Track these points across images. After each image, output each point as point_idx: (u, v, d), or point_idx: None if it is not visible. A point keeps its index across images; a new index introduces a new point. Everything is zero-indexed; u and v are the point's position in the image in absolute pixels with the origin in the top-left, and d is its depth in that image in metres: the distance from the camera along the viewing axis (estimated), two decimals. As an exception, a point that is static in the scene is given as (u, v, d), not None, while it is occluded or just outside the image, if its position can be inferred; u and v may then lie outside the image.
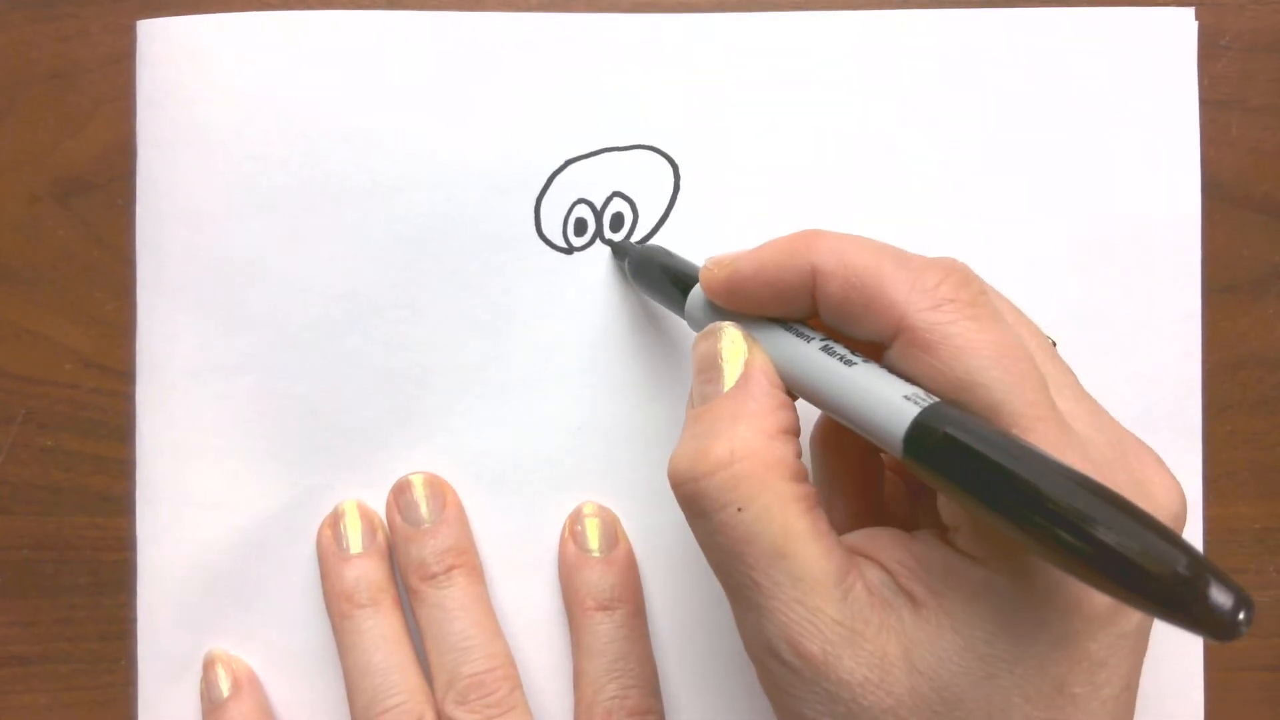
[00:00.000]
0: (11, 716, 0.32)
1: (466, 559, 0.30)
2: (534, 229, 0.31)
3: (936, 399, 0.20)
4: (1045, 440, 0.20)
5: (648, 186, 0.31)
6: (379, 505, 0.31)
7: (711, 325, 0.25)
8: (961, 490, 0.19)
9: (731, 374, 0.23)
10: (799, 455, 0.23)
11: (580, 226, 0.31)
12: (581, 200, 0.31)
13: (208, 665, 0.31)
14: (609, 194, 0.31)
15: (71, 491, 0.32)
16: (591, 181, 0.31)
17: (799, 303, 0.23)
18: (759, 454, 0.22)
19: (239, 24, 0.31)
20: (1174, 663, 0.31)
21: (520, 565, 0.31)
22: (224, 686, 0.31)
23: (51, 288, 0.32)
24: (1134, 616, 0.21)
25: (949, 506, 0.22)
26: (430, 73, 0.31)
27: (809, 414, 0.24)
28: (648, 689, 0.30)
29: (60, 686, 0.32)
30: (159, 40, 0.31)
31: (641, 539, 0.31)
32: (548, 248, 0.31)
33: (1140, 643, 0.21)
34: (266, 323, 0.31)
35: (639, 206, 0.31)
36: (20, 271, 0.32)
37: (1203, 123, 0.31)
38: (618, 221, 0.31)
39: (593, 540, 0.31)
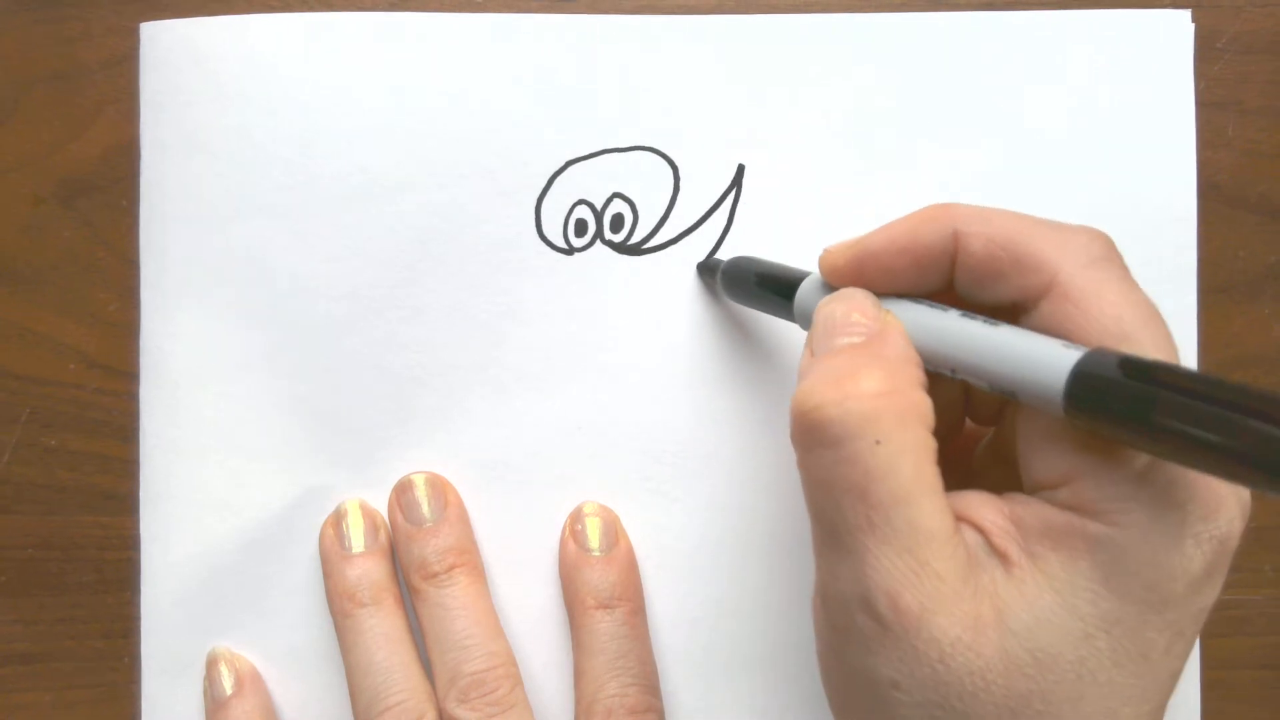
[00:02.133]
0: (15, 714, 0.33)
1: (468, 558, 0.30)
2: (534, 229, 0.31)
3: (1089, 347, 0.20)
4: None
5: (648, 187, 0.31)
6: (381, 504, 0.31)
7: (840, 291, 0.24)
8: (1138, 425, 0.18)
9: (869, 328, 0.23)
10: (933, 408, 0.22)
11: (580, 227, 0.31)
12: (582, 201, 0.31)
13: (211, 664, 0.31)
14: (609, 194, 0.31)
15: (75, 491, 0.32)
16: (591, 182, 0.31)
17: (934, 271, 0.23)
18: (904, 393, 0.21)
19: (241, 26, 0.31)
20: (1170, 661, 0.32)
21: (521, 564, 0.31)
22: (227, 685, 0.31)
23: (55, 288, 0.32)
24: (1216, 590, 0.21)
25: (1056, 458, 0.21)
26: (430, 73, 0.31)
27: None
28: (648, 687, 0.30)
29: (64, 684, 0.33)
30: (162, 42, 0.31)
31: (641, 539, 0.31)
32: (548, 248, 0.31)
33: (1201, 621, 0.21)
34: (269, 323, 0.31)
35: (639, 207, 0.31)
36: (24, 272, 0.32)
37: (1199, 124, 0.31)
38: (618, 222, 0.31)
39: (593, 539, 0.31)
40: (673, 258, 0.31)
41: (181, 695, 0.32)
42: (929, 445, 0.21)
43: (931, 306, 0.23)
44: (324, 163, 0.31)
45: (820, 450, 0.21)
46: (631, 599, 0.30)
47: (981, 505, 0.22)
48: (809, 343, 0.24)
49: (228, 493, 0.31)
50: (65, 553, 0.32)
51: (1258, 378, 0.32)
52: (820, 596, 0.22)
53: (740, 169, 0.31)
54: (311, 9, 0.32)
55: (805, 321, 0.26)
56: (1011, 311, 0.22)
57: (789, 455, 0.31)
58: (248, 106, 0.31)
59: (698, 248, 0.31)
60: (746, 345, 0.31)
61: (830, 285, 0.25)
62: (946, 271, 0.23)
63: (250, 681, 0.31)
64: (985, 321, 0.22)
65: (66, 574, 0.32)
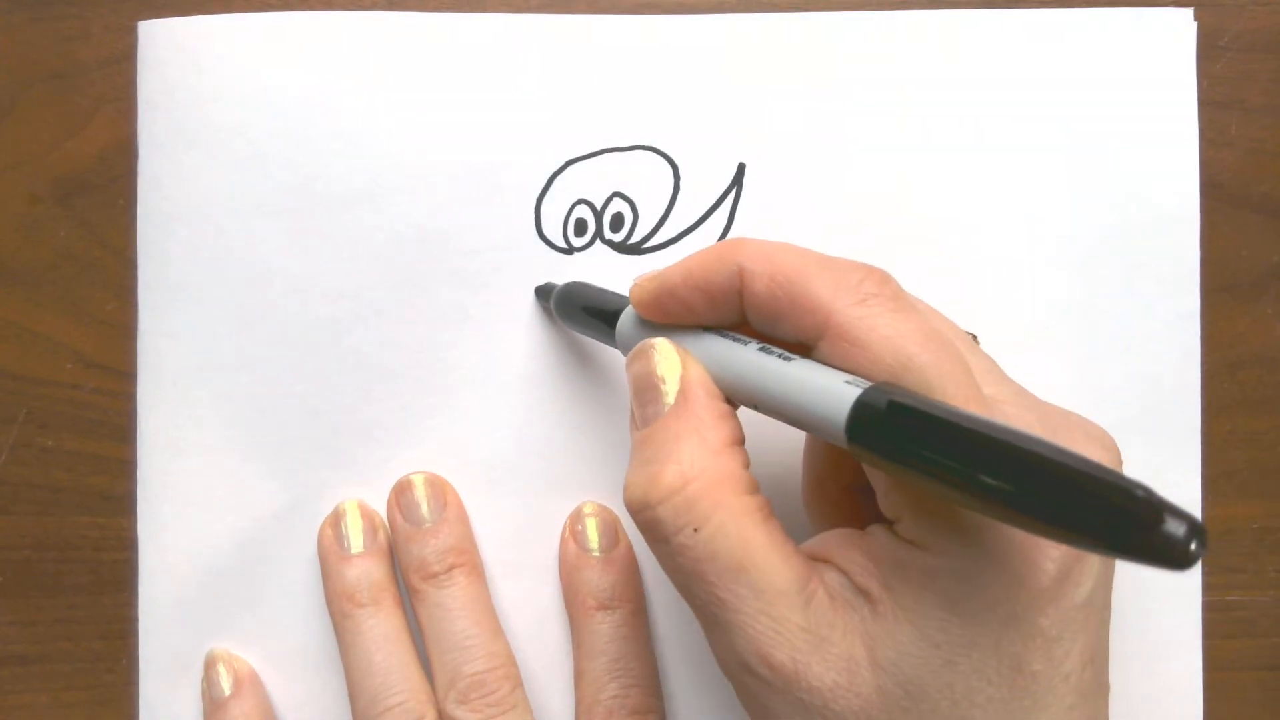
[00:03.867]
0: (12, 715, 0.32)
1: (467, 558, 0.30)
2: (534, 229, 0.31)
3: (871, 384, 0.21)
4: None
5: (648, 186, 0.31)
6: (380, 505, 0.31)
7: (641, 344, 0.25)
8: (906, 463, 0.19)
9: (670, 390, 0.24)
10: (747, 465, 0.23)
11: (580, 227, 0.31)
12: (582, 200, 0.31)
13: (209, 664, 0.31)
14: (609, 194, 0.31)
15: (72, 491, 0.32)
16: (591, 182, 0.31)
17: (728, 307, 0.24)
18: (707, 471, 0.22)
19: (240, 25, 0.31)
20: (1173, 663, 0.31)
21: (521, 565, 0.31)
22: (225, 686, 0.31)
23: (52, 288, 0.32)
24: (1083, 588, 0.21)
25: (890, 497, 0.22)
26: (430, 73, 0.31)
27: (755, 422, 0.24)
28: (648, 688, 0.30)
29: (61, 686, 0.32)
30: (160, 41, 0.31)
31: (641, 539, 0.31)
32: (548, 248, 0.31)
33: (1093, 616, 0.21)
34: (267, 322, 0.31)
35: (639, 206, 0.31)
36: (21, 271, 0.32)
37: (1202, 123, 0.31)
38: (618, 222, 0.31)
39: (593, 540, 0.31)
40: (673, 257, 0.31)
41: (180, 696, 0.32)
42: (750, 508, 0.22)
43: (734, 340, 0.24)
44: (323, 162, 0.31)
45: (654, 546, 0.23)
46: (632, 600, 0.30)
47: (843, 545, 0.22)
48: (631, 405, 0.25)
49: (226, 493, 0.31)
50: (62, 553, 0.32)
51: (1261, 377, 0.32)
52: (718, 662, 0.23)
53: (740, 168, 0.31)
54: (311, 8, 0.32)
55: (626, 350, 0.26)
56: (802, 350, 0.23)
57: (789, 455, 0.31)
58: (246, 105, 0.31)
59: (698, 247, 0.31)
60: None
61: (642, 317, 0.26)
62: (739, 309, 0.24)
63: (249, 682, 0.31)
64: (780, 356, 0.22)
65: (63, 575, 0.32)
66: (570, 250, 0.31)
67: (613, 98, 0.31)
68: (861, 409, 0.20)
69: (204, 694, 0.31)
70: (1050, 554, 0.20)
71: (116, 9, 0.32)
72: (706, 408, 0.23)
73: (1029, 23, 0.31)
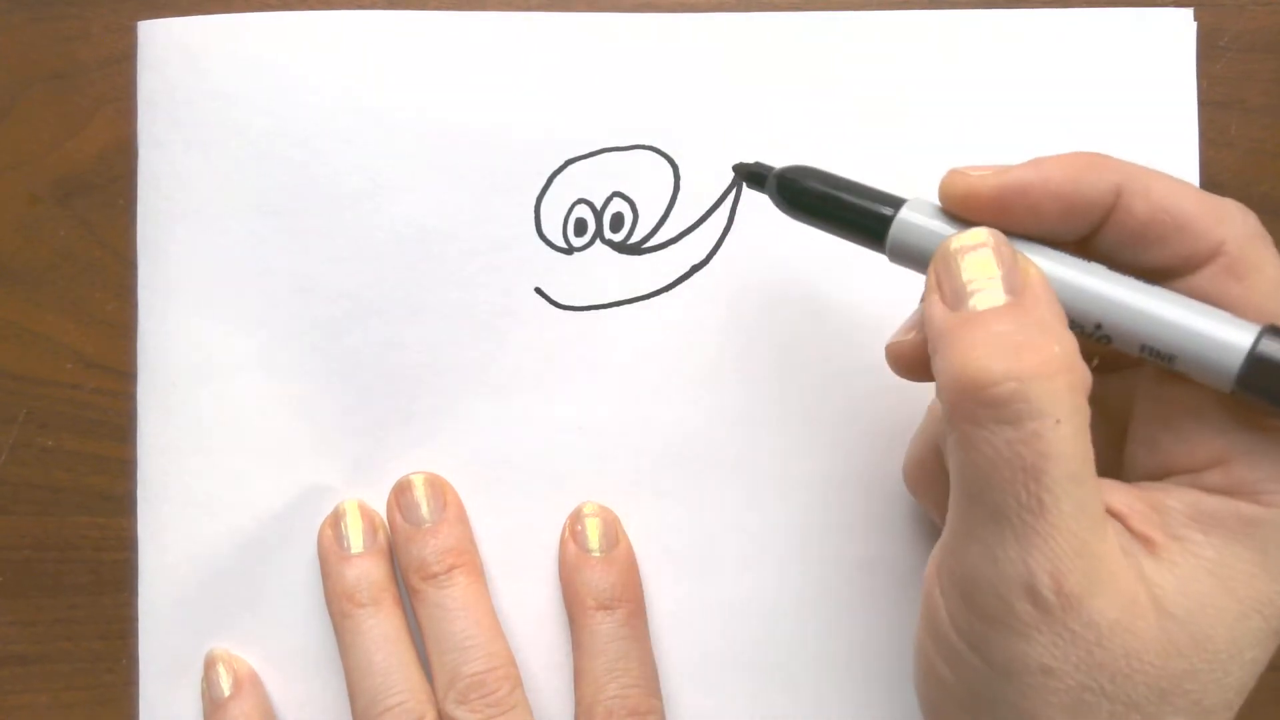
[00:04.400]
0: (12, 716, 0.32)
1: (467, 559, 0.30)
2: (534, 229, 0.31)
3: (1265, 325, 0.20)
4: None
5: (648, 186, 0.31)
6: (380, 505, 0.31)
7: (969, 232, 0.22)
8: None
9: (1011, 284, 0.21)
10: None
11: (580, 226, 0.31)
12: (581, 200, 0.31)
13: (209, 665, 0.31)
14: (609, 194, 0.31)
15: (72, 491, 0.32)
16: (591, 181, 0.31)
17: (1080, 224, 0.22)
18: (1076, 365, 0.20)
19: (240, 24, 0.31)
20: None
21: (521, 565, 0.31)
22: (225, 686, 0.31)
23: (52, 288, 0.32)
24: None
25: (1205, 442, 0.21)
26: (430, 73, 0.31)
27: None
28: (648, 688, 0.30)
29: (61, 686, 0.32)
30: (160, 41, 0.31)
31: (641, 539, 0.31)
32: (548, 248, 0.31)
33: None
34: (267, 322, 0.31)
35: (639, 206, 0.31)
36: (21, 271, 0.32)
37: (1202, 123, 0.31)
38: (618, 221, 0.31)
39: (593, 540, 0.31)
40: (673, 257, 0.31)
41: (180, 696, 0.32)
42: (1088, 422, 0.20)
43: (1075, 259, 0.22)
44: (323, 162, 0.31)
45: (995, 428, 0.20)
46: (632, 600, 0.30)
47: (1117, 491, 0.21)
48: (938, 289, 0.22)
49: (226, 493, 0.31)
50: (62, 553, 0.32)
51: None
52: (961, 584, 0.21)
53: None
54: (310, 8, 0.32)
55: (902, 256, 0.23)
56: (1151, 279, 0.22)
57: (790, 455, 0.31)
58: (246, 105, 0.31)
59: (698, 247, 0.31)
60: (748, 344, 0.31)
61: (944, 215, 0.23)
62: (1093, 225, 0.22)
63: (249, 683, 0.31)
64: (1141, 281, 0.21)
65: (63, 575, 0.32)
66: (570, 250, 0.31)
67: (613, 97, 0.31)
68: (1263, 353, 0.19)
69: (204, 694, 0.31)
70: None
71: (116, 9, 0.32)
72: (1057, 308, 0.21)
73: (1029, 23, 0.31)
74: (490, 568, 0.31)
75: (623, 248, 0.31)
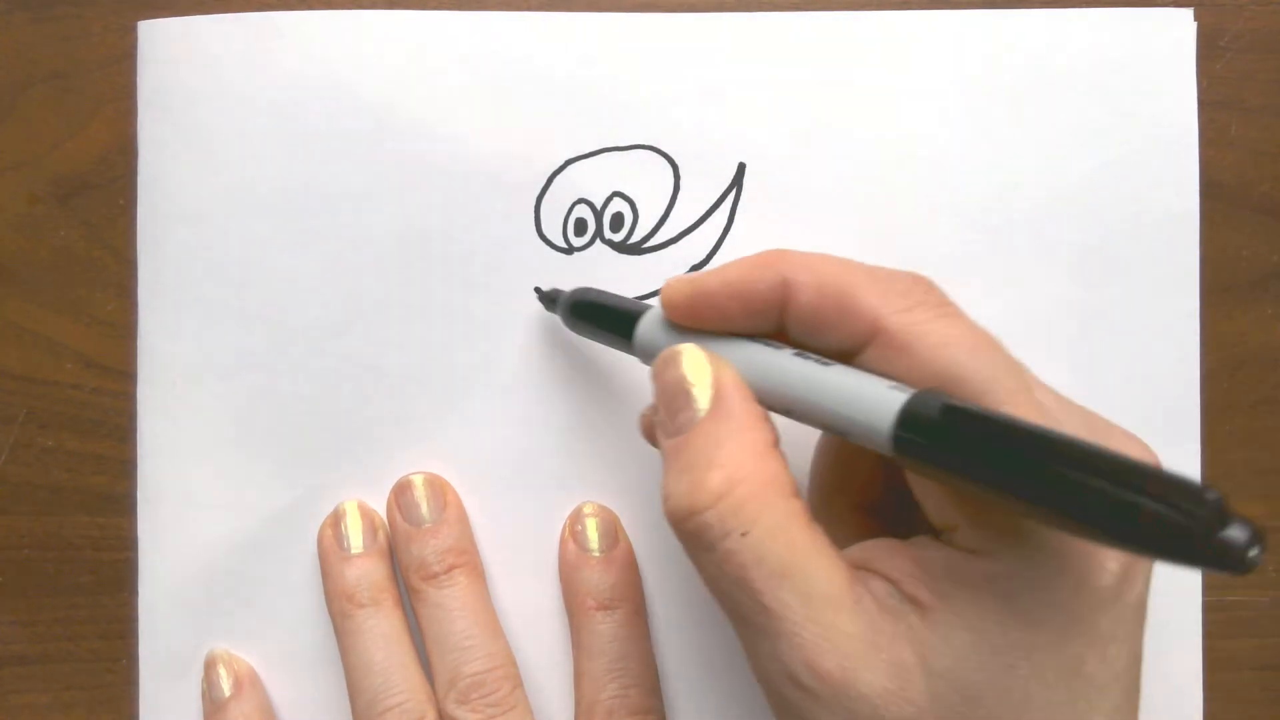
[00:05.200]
0: (12, 715, 0.32)
1: (467, 559, 0.30)
2: (534, 229, 0.31)
3: (918, 389, 0.20)
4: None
5: (648, 186, 0.31)
6: (380, 505, 0.31)
7: (668, 350, 0.24)
8: (961, 471, 0.19)
9: (703, 395, 0.23)
10: (788, 468, 0.23)
11: (580, 226, 0.31)
12: (581, 200, 0.31)
13: (209, 665, 0.31)
14: (609, 194, 0.31)
15: (72, 491, 0.32)
16: (591, 181, 0.31)
17: (765, 316, 0.24)
18: (754, 474, 0.22)
19: (240, 24, 0.31)
20: (1174, 663, 0.31)
21: (521, 565, 0.31)
22: (225, 686, 0.31)
23: (52, 288, 0.32)
24: (1136, 587, 0.21)
25: (942, 505, 0.22)
26: (430, 72, 0.31)
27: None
28: (648, 688, 0.30)
29: (61, 686, 0.32)
30: (160, 40, 0.31)
31: (641, 539, 0.31)
32: (548, 248, 0.31)
33: (1141, 614, 0.22)
34: (267, 322, 0.31)
35: (639, 206, 0.31)
36: (21, 272, 0.32)
37: (1202, 123, 0.31)
38: (618, 221, 0.31)
39: (593, 540, 0.31)
40: (673, 257, 0.31)
41: (180, 696, 0.32)
42: (796, 511, 0.22)
43: (766, 345, 0.23)
44: (323, 162, 0.31)
45: (698, 555, 0.22)
46: (632, 600, 0.30)
47: (889, 554, 0.22)
48: (656, 414, 0.24)
49: (226, 493, 0.31)
50: (62, 553, 0.32)
51: (1261, 377, 0.32)
52: (756, 679, 0.23)
53: (740, 168, 0.31)
54: (310, 8, 0.32)
55: (645, 357, 0.26)
56: (842, 358, 0.23)
57: (789, 454, 0.31)
58: (246, 105, 0.31)
59: (698, 247, 0.31)
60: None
61: (669, 321, 0.25)
62: (778, 316, 0.23)
63: (249, 683, 0.31)
64: (818, 361, 0.22)
65: (64, 575, 0.32)
66: (570, 250, 0.31)
67: (613, 97, 0.31)
68: (910, 414, 0.19)
69: (204, 695, 0.31)
70: (1111, 554, 0.20)
71: (117, 9, 0.32)
72: (744, 410, 0.23)
73: (1029, 23, 0.31)
74: (490, 568, 0.31)
75: (623, 248, 0.31)
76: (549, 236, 0.31)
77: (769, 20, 0.31)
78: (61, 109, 0.32)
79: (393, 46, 0.31)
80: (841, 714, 0.20)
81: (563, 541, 0.31)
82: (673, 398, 0.23)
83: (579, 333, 0.30)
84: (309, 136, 0.31)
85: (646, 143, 0.31)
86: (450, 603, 0.30)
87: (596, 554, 0.30)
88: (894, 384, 0.21)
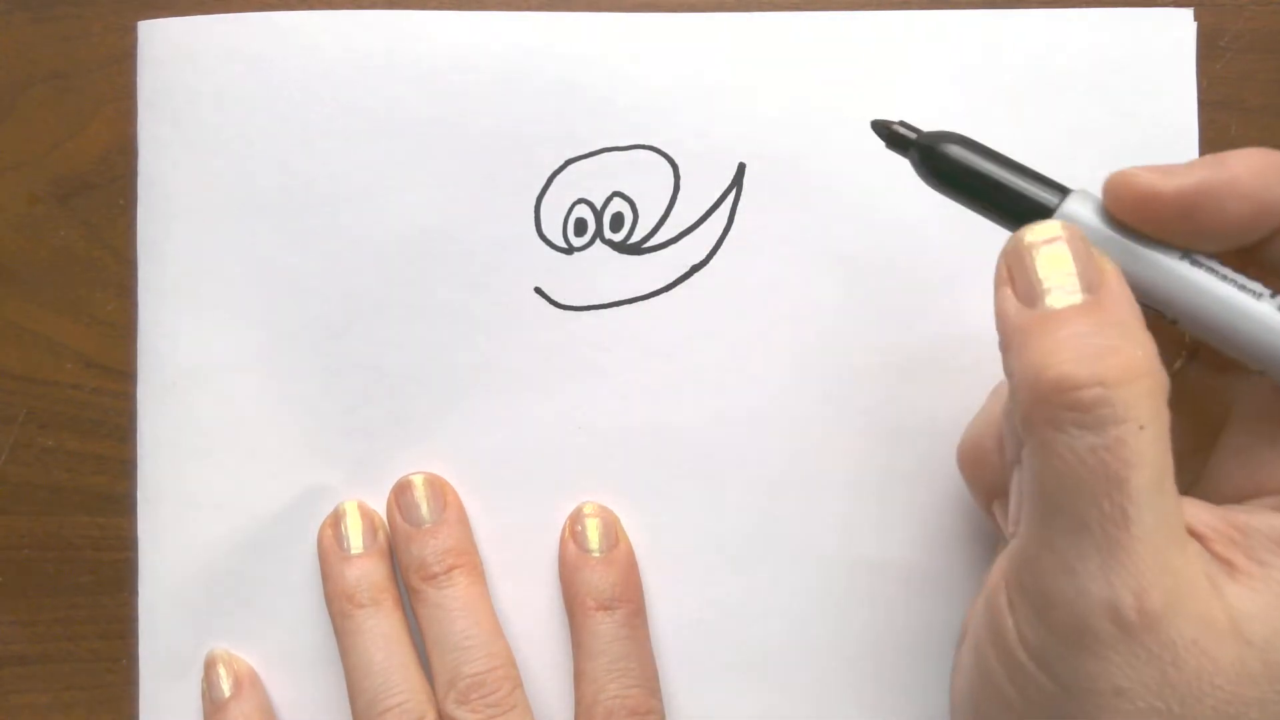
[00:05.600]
0: (12, 715, 0.32)
1: (467, 559, 0.30)
2: (534, 229, 0.31)
3: None
4: None
5: (648, 186, 0.31)
6: (380, 505, 0.31)
7: (1044, 224, 0.21)
8: None
9: (1089, 282, 0.20)
10: None
11: (580, 226, 0.31)
12: (581, 200, 0.31)
13: (209, 665, 0.31)
14: (609, 194, 0.31)
15: (72, 491, 0.32)
16: (591, 181, 0.31)
17: (1259, 231, 0.21)
18: (1161, 372, 0.19)
19: (240, 24, 0.31)
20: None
21: (521, 565, 0.31)
22: (225, 686, 0.31)
23: (52, 288, 0.32)
24: None
25: None
26: (430, 72, 0.31)
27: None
28: (648, 688, 0.30)
29: (61, 686, 0.32)
30: (160, 40, 0.31)
31: (641, 539, 0.31)
32: (548, 248, 0.31)
33: None
34: (267, 322, 0.31)
35: (639, 206, 0.31)
36: (21, 272, 0.32)
37: (1201, 123, 0.31)
38: (618, 221, 0.31)
39: (593, 540, 0.31)
40: (673, 257, 0.31)
41: (180, 696, 0.32)
42: (1169, 429, 0.20)
43: (1243, 288, 0.21)
44: (323, 162, 0.31)
45: (1077, 433, 0.19)
46: (632, 600, 0.30)
47: (1203, 511, 0.21)
48: (1010, 284, 0.21)
49: (226, 493, 0.31)
50: (62, 553, 0.32)
51: (1260, 378, 0.32)
52: (1035, 600, 0.20)
53: (740, 168, 0.31)
54: (311, 7, 0.32)
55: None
56: None
57: (790, 455, 0.31)
58: (246, 105, 0.31)
59: (698, 247, 0.31)
60: (747, 344, 0.31)
61: (1108, 218, 0.22)
62: (1274, 231, 0.21)
63: (249, 683, 0.31)
64: (1275, 296, 0.20)
65: (64, 575, 0.32)
66: (570, 250, 0.31)
67: (613, 97, 0.31)
68: None
69: (204, 695, 0.31)
70: None
71: (117, 9, 0.32)
72: (1136, 308, 0.20)
73: (1029, 23, 0.31)
74: (490, 568, 0.31)
75: (623, 248, 0.31)
76: (549, 236, 0.31)
77: (769, 20, 0.31)
78: (61, 109, 0.32)
79: (393, 46, 0.31)
80: (1143, 655, 0.19)
81: (563, 541, 0.31)
82: (1052, 270, 0.21)
83: (941, 192, 0.24)
84: (309, 136, 0.31)
85: (646, 143, 0.31)
86: (450, 603, 0.30)
87: (597, 554, 0.30)
88: None
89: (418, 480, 0.31)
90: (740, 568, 0.31)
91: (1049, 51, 0.31)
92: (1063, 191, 0.22)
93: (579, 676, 0.30)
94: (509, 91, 0.31)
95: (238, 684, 0.31)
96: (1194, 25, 0.31)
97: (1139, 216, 0.21)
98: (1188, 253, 0.21)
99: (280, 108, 0.31)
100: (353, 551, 0.30)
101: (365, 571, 0.30)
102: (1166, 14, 0.31)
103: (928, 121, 0.31)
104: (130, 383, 0.32)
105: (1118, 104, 0.31)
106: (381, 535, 0.31)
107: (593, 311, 0.31)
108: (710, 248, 0.31)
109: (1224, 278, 0.21)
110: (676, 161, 0.31)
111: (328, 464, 0.31)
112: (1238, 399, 0.22)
